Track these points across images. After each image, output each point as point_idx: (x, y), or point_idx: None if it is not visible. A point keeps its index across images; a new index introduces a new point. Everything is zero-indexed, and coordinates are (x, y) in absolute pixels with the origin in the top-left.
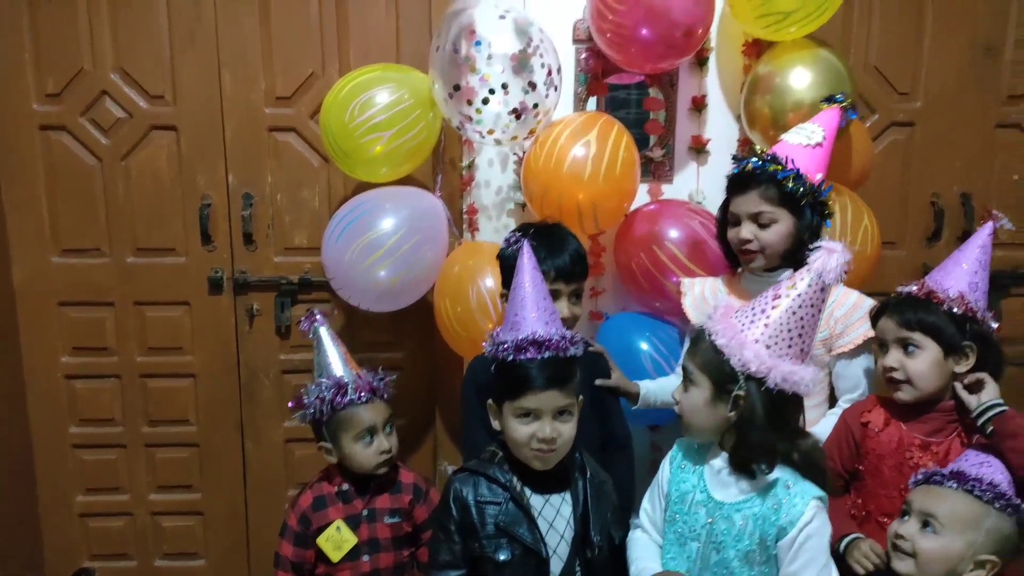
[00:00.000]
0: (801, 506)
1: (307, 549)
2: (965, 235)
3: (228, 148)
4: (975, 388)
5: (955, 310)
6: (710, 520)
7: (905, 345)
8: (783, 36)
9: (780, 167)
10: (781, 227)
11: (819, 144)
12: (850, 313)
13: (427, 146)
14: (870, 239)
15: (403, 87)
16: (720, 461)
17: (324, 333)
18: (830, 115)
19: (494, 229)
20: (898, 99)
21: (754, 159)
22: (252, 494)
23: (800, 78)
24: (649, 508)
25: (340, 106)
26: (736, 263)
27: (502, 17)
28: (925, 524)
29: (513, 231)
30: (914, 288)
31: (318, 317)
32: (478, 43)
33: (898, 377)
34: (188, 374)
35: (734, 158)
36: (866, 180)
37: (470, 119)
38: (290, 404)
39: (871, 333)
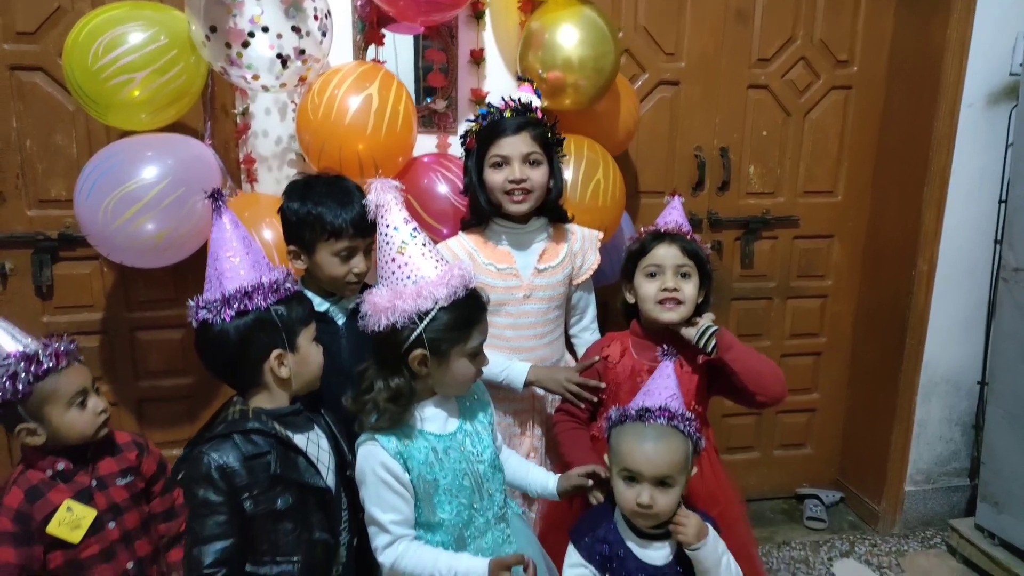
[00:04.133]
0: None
1: (33, 546)
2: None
3: None
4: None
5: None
6: (461, 449)
7: (681, 271)
8: None
9: (535, 115)
10: (544, 169)
11: (538, 109)
12: (584, 245)
13: (192, 90)
14: (602, 192)
15: (156, 25)
16: (429, 410)
17: None
18: (528, 89)
19: (275, 180)
20: (665, 59)
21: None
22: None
23: (568, 36)
24: (396, 514)
25: (82, 47)
26: (488, 215)
27: None
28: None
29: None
30: (670, 227)
31: None
32: None
33: (679, 298)
34: None
35: (483, 112)
36: (632, 138)
37: (232, 63)
38: None
39: (598, 260)
